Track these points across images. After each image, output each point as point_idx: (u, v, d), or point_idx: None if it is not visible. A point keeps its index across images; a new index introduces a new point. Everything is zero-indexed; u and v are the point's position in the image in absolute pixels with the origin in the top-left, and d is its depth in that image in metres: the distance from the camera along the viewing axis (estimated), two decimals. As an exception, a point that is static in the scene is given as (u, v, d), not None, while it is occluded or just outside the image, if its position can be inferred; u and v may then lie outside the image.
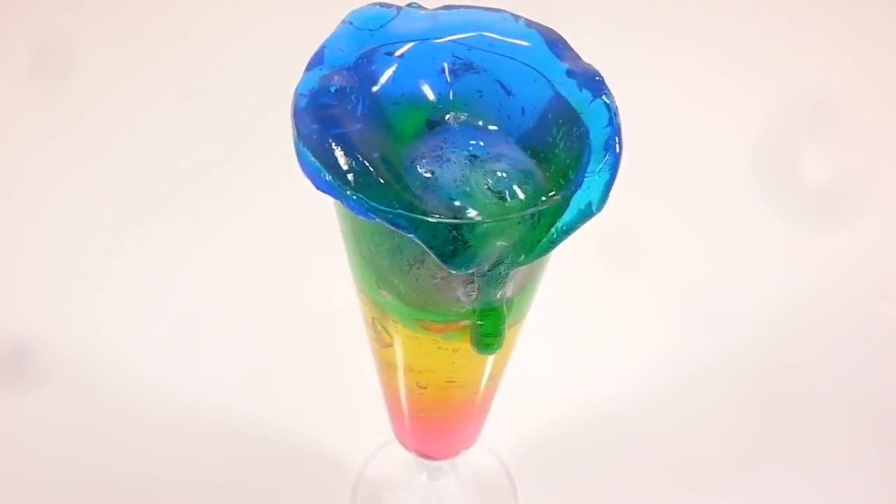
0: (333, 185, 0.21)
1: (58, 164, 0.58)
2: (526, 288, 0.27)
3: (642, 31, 0.69)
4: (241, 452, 0.44)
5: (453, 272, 0.22)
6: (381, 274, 0.26)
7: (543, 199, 0.22)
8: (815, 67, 0.67)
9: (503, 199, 0.23)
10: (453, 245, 0.21)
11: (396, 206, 0.21)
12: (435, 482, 0.43)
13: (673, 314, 0.50)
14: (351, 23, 0.24)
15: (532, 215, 0.22)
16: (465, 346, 0.26)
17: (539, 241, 0.22)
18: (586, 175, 0.22)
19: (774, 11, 0.72)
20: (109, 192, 0.56)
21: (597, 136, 0.23)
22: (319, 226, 0.34)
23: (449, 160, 0.23)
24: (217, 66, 0.64)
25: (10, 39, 0.67)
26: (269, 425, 0.45)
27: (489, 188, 0.23)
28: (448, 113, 0.25)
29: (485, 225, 0.22)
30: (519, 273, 0.24)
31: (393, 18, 0.25)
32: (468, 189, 0.23)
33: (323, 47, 0.24)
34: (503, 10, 0.25)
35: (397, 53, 0.24)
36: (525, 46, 0.25)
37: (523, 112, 0.24)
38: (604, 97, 0.23)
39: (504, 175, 0.23)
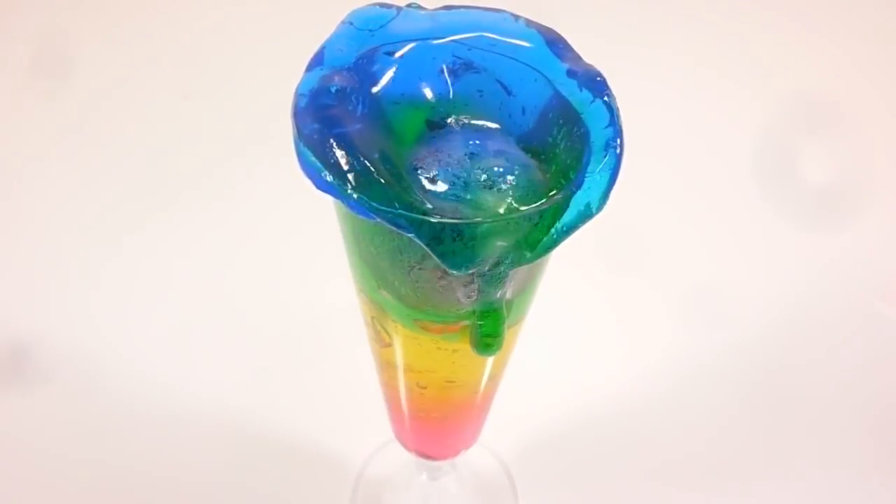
0: (334, 185, 0.21)
1: (57, 164, 0.58)
2: (526, 289, 0.27)
3: (642, 31, 0.69)
4: (241, 452, 0.44)
5: (453, 272, 0.22)
6: (381, 275, 0.26)
7: (544, 199, 0.22)
8: (815, 68, 0.67)
9: (503, 198, 0.23)
10: (454, 245, 0.21)
11: (397, 206, 0.21)
12: (435, 482, 0.43)
13: (673, 314, 0.50)
14: (351, 23, 0.24)
15: (532, 215, 0.22)
16: (465, 346, 0.26)
17: (539, 242, 0.22)
18: (587, 175, 0.22)
19: (774, 12, 0.72)
20: (109, 192, 0.56)
21: (597, 136, 0.23)
22: (319, 226, 0.34)
23: (449, 160, 0.23)
24: (217, 67, 0.64)
25: (10, 39, 0.67)
26: (268, 425, 0.45)
27: (489, 187, 0.23)
28: (448, 112, 0.25)
29: (485, 225, 0.22)
30: (519, 274, 0.24)
31: (393, 19, 0.25)
32: (468, 189, 0.23)
33: (323, 47, 0.24)
34: (503, 10, 0.25)
35: (397, 53, 0.24)
36: (525, 46, 0.25)
37: (524, 112, 0.24)
38: (605, 98, 0.23)
39: (504, 174, 0.23)
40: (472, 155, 0.23)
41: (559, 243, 0.22)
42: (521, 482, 0.44)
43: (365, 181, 0.21)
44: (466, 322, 0.25)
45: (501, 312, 0.25)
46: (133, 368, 0.47)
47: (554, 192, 0.23)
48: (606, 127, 0.23)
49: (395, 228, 0.21)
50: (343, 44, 0.24)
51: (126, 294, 0.51)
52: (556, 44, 0.24)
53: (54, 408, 0.45)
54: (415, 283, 0.24)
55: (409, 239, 0.21)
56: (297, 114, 0.22)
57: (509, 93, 0.25)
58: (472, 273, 0.22)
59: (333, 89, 0.23)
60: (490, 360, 0.30)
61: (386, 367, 0.32)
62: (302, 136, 0.22)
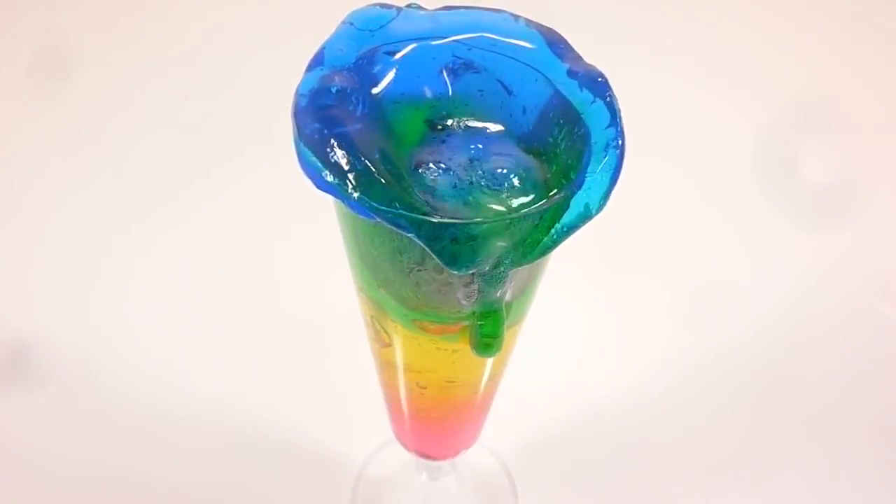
0: (334, 185, 0.21)
1: (57, 164, 0.58)
2: (526, 289, 0.27)
3: (642, 31, 0.69)
4: (241, 452, 0.44)
5: (454, 273, 0.22)
6: (381, 276, 0.26)
7: (544, 199, 0.22)
8: (815, 68, 0.67)
9: (503, 198, 0.23)
10: (454, 245, 0.21)
11: (397, 207, 0.21)
12: (435, 482, 0.43)
13: (673, 314, 0.50)
14: (351, 23, 0.24)
15: (533, 216, 0.22)
16: (465, 346, 0.26)
17: (540, 242, 0.22)
18: (587, 175, 0.22)
19: (774, 12, 0.72)
20: (109, 191, 0.56)
21: (598, 136, 0.23)
22: (319, 226, 0.34)
23: (449, 160, 0.23)
24: (217, 67, 0.64)
25: (10, 39, 0.67)
26: (268, 425, 0.45)
27: (489, 187, 0.23)
28: (449, 112, 0.25)
29: (485, 225, 0.22)
30: (519, 274, 0.24)
31: (393, 19, 0.25)
32: (469, 189, 0.23)
33: (323, 48, 0.24)
34: (503, 11, 0.25)
35: (398, 53, 0.24)
36: (526, 46, 0.25)
37: (525, 111, 0.24)
38: (607, 98, 0.23)
39: (504, 174, 0.23)
40: (472, 155, 0.23)
41: (559, 243, 0.22)
42: (521, 482, 0.44)
43: (365, 181, 0.21)
44: (466, 323, 0.25)
45: (501, 313, 0.25)
46: (133, 368, 0.47)
47: (554, 192, 0.23)
48: (607, 127, 0.23)
49: (395, 228, 0.21)
50: (343, 44, 0.24)
51: (126, 294, 0.51)
52: (556, 44, 0.24)
53: (54, 408, 0.45)
54: (415, 284, 0.24)
55: (410, 239, 0.21)
56: (298, 113, 0.22)
57: (510, 92, 0.25)
58: (473, 273, 0.22)
59: (334, 89, 0.23)
60: (490, 360, 0.30)
61: (386, 367, 0.32)
62: (302, 136, 0.21)
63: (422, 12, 0.25)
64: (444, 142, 0.24)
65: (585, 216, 0.22)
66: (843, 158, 0.60)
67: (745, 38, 0.69)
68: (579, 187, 0.22)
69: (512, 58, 0.25)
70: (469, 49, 0.25)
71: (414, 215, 0.21)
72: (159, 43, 0.67)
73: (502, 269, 0.22)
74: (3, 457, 0.44)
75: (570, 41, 0.25)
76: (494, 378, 0.32)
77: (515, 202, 0.23)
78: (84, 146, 0.59)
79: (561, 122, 0.24)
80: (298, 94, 0.22)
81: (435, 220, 0.21)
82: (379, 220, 0.21)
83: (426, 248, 0.21)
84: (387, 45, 0.24)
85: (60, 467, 0.43)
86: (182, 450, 0.44)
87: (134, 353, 0.48)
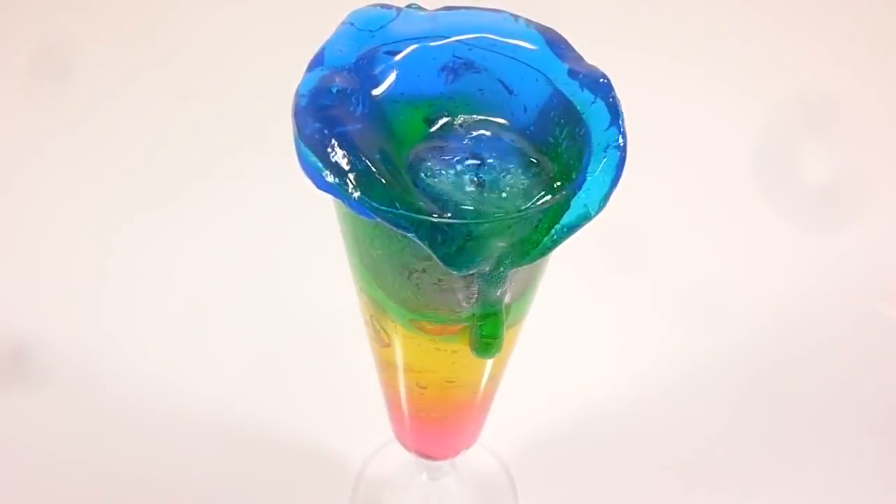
0: (334, 185, 0.21)
1: (57, 163, 0.58)
2: (525, 289, 0.27)
3: (641, 31, 0.69)
4: (241, 452, 0.44)
5: (453, 273, 0.22)
6: (380, 277, 0.26)
7: (545, 199, 0.22)
8: (815, 68, 0.67)
9: (503, 198, 0.23)
10: (454, 245, 0.21)
11: (397, 206, 0.21)
12: (435, 482, 0.43)
13: (673, 314, 0.50)
14: (352, 24, 0.24)
15: (533, 216, 0.22)
16: (465, 347, 0.26)
17: (540, 242, 0.22)
18: (587, 176, 0.22)
19: (774, 12, 0.72)
20: (110, 192, 0.56)
21: (598, 137, 0.23)
22: (319, 225, 0.34)
23: (450, 160, 0.23)
24: (217, 67, 0.64)
25: (10, 39, 0.67)
26: (268, 425, 0.45)
27: (490, 187, 0.23)
28: (449, 112, 0.25)
29: (486, 225, 0.22)
30: (518, 275, 0.24)
31: (393, 19, 0.25)
32: (469, 189, 0.23)
33: (323, 48, 0.24)
34: (503, 11, 0.25)
35: (398, 53, 0.24)
36: (526, 46, 0.25)
37: (525, 110, 0.24)
38: (609, 100, 0.23)
39: (505, 174, 0.23)
40: (473, 154, 0.23)
41: (559, 244, 0.22)
42: (521, 482, 0.44)
43: (366, 181, 0.21)
44: (466, 324, 0.25)
45: (501, 315, 0.25)
46: (133, 368, 0.47)
47: (555, 192, 0.23)
48: (608, 128, 0.23)
49: (395, 228, 0.21)
50: (343, 44, 0.24)
51: (126, 294, 0.51)
52: (556, 44, 0.24)
53: (54, 408, 0.45)
54: (415, 285, 0.24)
55: (410, 240, 0.21)
56: (298, 113, 0.22)
57: (510, 92, 0.25)
58: (472, 274, 0.22)
59: (334, 90, 0.23)
60: (490, 360, 0.30)
61: (386, 367, 0.32)
62: (303, 136, 0.22)
63: (422, 13, 0.25)
64: (444, 142, 0.24)
65: (585, 217, 0.22)
66: (843, 158, 0.60)
67: (744, 38, 0.69)
68: (579, 188, 0.22)
69: (512, 58, 0.25)
70: (469, 49, 0.25)
71: (414, 215, 0.21)
72: (159, 43, 0.67)
73: (502, 269, 0.22)
74: (3, 457, 0.44)
75: (569, 41, 0.25)
76: (494, 378, 0.32)
77: (516, 202, 0.23)
78: (84, 146, 0.59)
79: (562, 121, 0.24)
80: (299, 95, 0.22)
81: (435, 220, 0.21)
82: (379, 220, 0.21)
83: (426, 249, 0.21)
84: (387, 46, 0.24)
85: (60, 467, 0.43)
86: (182, 450, 0.44)
87: (134, 352, 0.48)
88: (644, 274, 0.52)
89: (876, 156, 0.61)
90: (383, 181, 0.21)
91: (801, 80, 0.66)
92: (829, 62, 0.67)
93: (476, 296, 0.24)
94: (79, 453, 0.44)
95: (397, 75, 0.24)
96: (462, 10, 0.25)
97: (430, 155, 0.24)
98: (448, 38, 0.25)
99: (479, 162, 0.23)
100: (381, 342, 0.29)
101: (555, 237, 0.22)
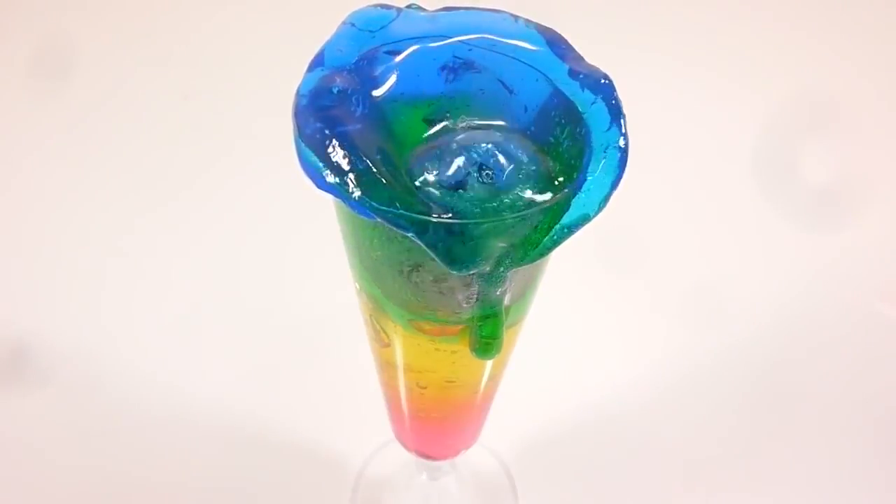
0: (334, 185, 0.21)
1: (57, 163, 0.58)
2: (525, 289, 0.27)
3: (641, 30, 0.69)
4: (241, 452, 0.44)
5: (453, 273, 0.22)
6: (380, 277, 0.26)
7: (545, 199, 0.22)
8: (815, 67, 0.67)
9: (503, 198, 0.23)
10: (454, 245, 0.21)
11: (398, 206, 0.21)
12: (435, 482, 0.43)
13: (672, 314, 0.50)
14: (352, 24, 0.24)
15: (533, 216, 0.22)
16: (464, 347, 0.26)
17: (540, 242, 0.22)
18: (587, 176, 0.22)
19: (774, 12, 0.72)
20: (110, 191, 0.56)
21: (598, 137, 0.23)
22: (319, 225, 0.34)
23: (450, 160, 0.23)
24: (217, 67, 0.64)
25: (10, 39, 0.67)
26: (269, 425, 0.45)
27: (490, 187, 0.23)
28: (449, 112, 0.25)
29: (486, 225, 0.22)
30: (518, 276, 0.24)
31: (394, 20, 0.25)
32: (469, 189, 0.23)
33: (324, 48, 0.24)
34: (503, 11, 0.25)
35: (398, 54, 0.24)
36: (526, 46, 0.25)
37: (526, 110, 0.24)
38: (612, 101, 0.23)
39: (505, 174, 0.23)
40: (473, 154, 0.23)
41: (559, 244, 0.22)
42: (521, 482, 0.44)
43: (366, 181, 0.21)
44: (465, 325, 0.25)
45: (501, 316, 0.25)
46: (133, 368, 0.47)
47: (556, 192, 0.23)
48: (608, 129, 0.23)
49: (395, 228, 0.21)
50: (344, 44, 0.24)
51: (126, 294, 0.51)
52: (557, 44, 0.25)
53: (54, 408, 0.45)
54: (414, 285, 0.24)
55: (410, 240, 0.21)
56: (299, 113, 0.22)
57: (510, 92, 0.25)
58: (472, 274, 0.22)
59: (335, 90, 0.23)
60: (490, 360, 0.30)
61: (386, 367, 0.32)
62: (303, 136, 0.22)
63: (422, 13, 0.25)
64: (444, 141, 0.24)
65: (585, 217, 0.22)
66: (842, 158, 0.60)
67: (744, 37, 0.69)
68: (580, 188, 0.22)
69: (512, 57, 0.25)
70: (469, 49, 0.25)
71: (414, 215, 0.21)
72: (159, 43, 0.67)
73: (502, 269, 0.22)
74: (2, 457, 0.44)
75: (569, 41, 0.25)
76: (494, 378, 0.32)
77: (516, 202, 0.23)
78: (84, 145, 0.59)
79: (562, 121, 0.24)
80: (299, 95, 0.23)
81: (435, 220, 0.21)
82: (379, 220, 0.21)
83: (426, 249, 0.21)
84: (387, 46, 0.24)
85: (60, 467, 0.43)
86: (182, 450, 0.44)
87: (134, 352, 0.48)
88: (644, 274, 0.52)
89: (876, 156, 0.61)
90: (383, 181, 0.21)
91: (801, 80, 0.66)
92: (829, 62, 0.67)
93: (476, 297, 0.24)
94: (78, 453, 0.44)
95: (397, 75, 0.24)
96: (462, 11, 0.25)
97: (430, 155, 0.24)
98: (448, 38, 0.25)
99: (479, 162, 0.23)
100: (381, 342, 0.29)
101: (555, 237, 0.22)
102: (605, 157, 0.22)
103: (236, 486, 0.43)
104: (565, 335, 0.49)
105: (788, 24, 0.71)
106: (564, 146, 0.23)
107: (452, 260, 0.21)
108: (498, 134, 0.24)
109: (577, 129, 0.23)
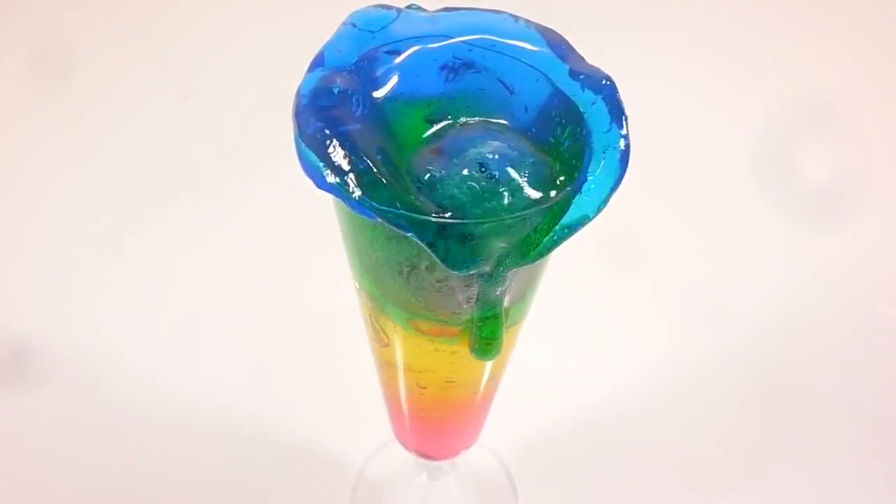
0: (335, 185, 0.21)
1: (57, 163, 0.58)
2: (525, 289, 0.27)
3: (641, 30, 0.69)
4: (241, 452, 0.44)
5: (453, 273, 0.22)
6: (380, 278, 0.26)
7: (545, 200, 0.22)
8: (815, 67, 0.67)
9: (503, 198, 0.23)
10: (454, 245, 0.21)
11: (398, 206, 0.21)
12: (435, 482, 0.43)
13: (672, 314, 0.50)
14: (353, 24, 0.24)
15: (533, 216, 0.22)
16: (464, 348, 0.26)
17: (540, 242, 0.22)
18: (587, 177, 0.22)
19: (774, 12, 0.72)
20: (109, 191, 0.56)
21: (598, 138, 0.23)
22: (319, 225, 0.34)
23: (450, 160, 0.23)
24: (217, 67, 0.64)
25: (10, 39, 0.67)
26: (268, 425, 0.45)
27: (490, 187, 0.23)
28: (450, 112, 0.25)
29: (486, 225, 0.22)
30: (518, 276, 0.24)
31: (394, 20, 0.25)
32: (470, 189, 0.23)
33: (324, 48, 0.24)
34: (503, 12, 0.25)
35: (398, 54, 0.24)
36: (526, 47, 0.25)
37: (526, 110, 0.25)
38: (612, 102, 0.23)
39: (505, 175, 0.23)
40: (473, 155, 0.23)
41: (559, 244, 0.22)
42: (521, 482, 0.44)
43: (366, 181, 0.21)
44: (465, 326, 0.25)
45: (500, 317, 0.25)
46: (133, 369, 0.47)
47: (559, 190, 0.23)
48: (608, 130, 0.23)
49: (395, 228, 0.21)
50: (344, 45, 0.24)
51: (126, 294, 0.51)
52: (557, 45, 0.25)
53: (54, 408, 0.45)
54: (414, 286, 0.24)
55: (409, 241, 0.21)
56: (299, 113, 0.22)
57: (511, 91, 0.25)
58: (472, 274, 0.22)
59: (335, 90, 0.23)
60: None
61: (386, 367, 0.32)
62: (303, 135, 0.22)
63: (422, 13, 0.25)
64: (444, 141, 0.24)
65: (585, 217, 0.22)
66: (842, 158, 0.60)
67: (744, 38, 0.69)
68: (580, 188, 0.22)
69: (513, 57, 0.25)
70: (470, 49, 0.25)
71: (414, 215, 0.21)
72: (159, 43, 0.67)
73: (502, 269, 0.22)
74: (2, 457, 0.44)
75: (570, 41, 0.25)
76: (494, 378, 0.32)
77: (516, 202, 0.23)
78: (84, 146, 0.59)
79: (563, 121, 0.24)
80: (300, 95, 0.23)
81: (435, 220, 0.21)
82: (379, 219, 0.21)
83: (426, 249, 0.21)
84: (387, 46, 0.24)
85: (60, 467, 0.43)
86: (182, 450, 0.44)
87: (133, 353, 0.48)
88: (644, 274, 0.52)
89: (876, 156, 0.61)
90: (384, 181, 0.21)
91: (801, 80, 0.66)
92: (829, 62, 0.67)
93: (476, 297, 0.24)
94: (78, 453, 0.44)
95: (398, 76, 0.24)
96: (462, 11, 0.25)
97: (431, 155, 0.24)
98: (448, 38, 0.25)
99: (479, 162, 0.23)
100: (381, 342, 0.29)
101: (555, 237, 0.22)
102: (605, 158, 0.22)
103: (236, 485, 0.43)
104: (565, 335, 0.49)
105: (788, 25, 0.71)
106: (565, 146, 0.23)
107: (452, 260, 0.21)
108: (498, 134, 0.24)
109: (578, 130, 0.23)
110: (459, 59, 0.25)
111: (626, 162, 0.22)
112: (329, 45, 0.24)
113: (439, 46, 0.25)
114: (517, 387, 0.37)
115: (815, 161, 0.59)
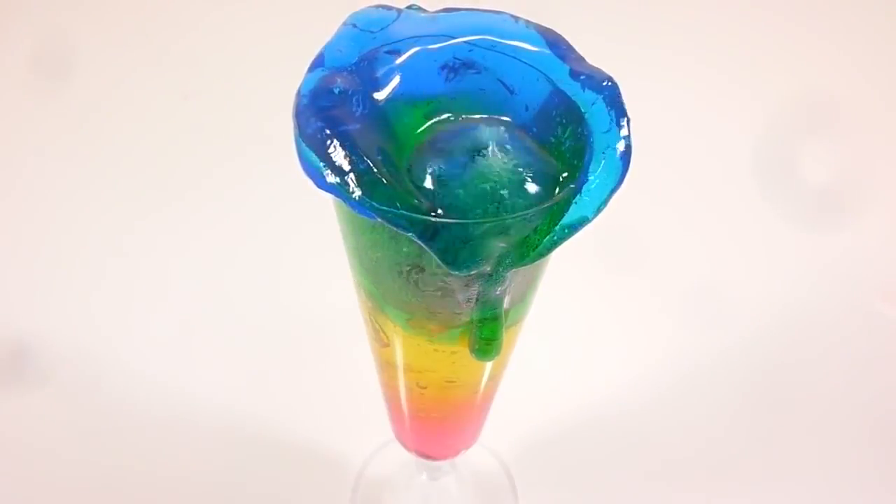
0: (335, 184, 0.21)
1: (57, 164, 0.58)
2: (525, 289, 0.27)
3: (641, 31, 0.69)
4: (241, 452, 0.44)
5: (453, 273, 0.22)
6: (379, 279, 0.26)
7: (545, 200, 0.22)
8: (815, 67, 0.67)
9: (503, 199, 0.23)
10: (454, 245, 0.21)
11: (398, 206, 0.21)
12: (435, 482, 0.43)
13: (673, 314, 0.50)
14: (353, 24, 0.24)
15: (533, 216, 0.22)
16: (464, 348, 0.26)
17: (540, 243, 0.22)
18: (588, 177, 0.22)
19: (775, 12, 0.72)
20: (109, 192, 0.56)
21: (598, 138, 0.23)
22: (319, 226, 0.34)
23: (450, 160, 0.23)
24: (217, 67, 0.64)
25: (10, 39, 0.67)
26: (268, 425, 0.45)
27: (490, 188, 0.23)
28: (450, 112, 0.25)
29: (486, 225, 0.22)
30: (518, 276, 0.24)
31: (394, 20, 0.25)
32: (470, 189, 0.23)
33: (325, 49, 0.24)
34: (503, 12, 0.25)
35: (399, 54, 0.24)
36: (527, 47, 0.25)
37: (527, 109, 0.25)
38: (614, 102, 0.23)
39: (505, 175, 0.23)
40: (473, 155, 0.23)
41: (559, 244, 0.22)
42: (521, 482, 0.44)
43: (366, 181, 0.21)
44: (465, 327, 0.25)
45: (500, 318, 0.25)
46: (133, 369, 0.47)
47: (555, 192, 0.23)
48: (608, 131, 0.23)
49: (395, 228, 0.21)
50: (344, 45, 0.24)
51: (126, 294, 0.51)
52: (557, 45, 0.25)
53: (54, 408, 0.45)
54: (414, 287, 0.24)
55: (409, 241, 0.21)
56: (299, 113, 0.22)
57: (511, 91, 0.25)
58: (472, 275, 0.22)
59: (336, 90, 0.23)
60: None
61: (386, 367, 0.32)
62: (304, 136, 0.22)
63: (422, 14, 0.25)
64: (444, 140, 0.24)
65: (585, 218, 0.22)
66: (842, 158, 0.60)
67: (745, 38, 0.69)
68: (580, 189, 0.22)
69: (513, 57, 0.25)
70: (470, 49, 0.25)
71: (414, 215, 0.21)
72: (159, 43, 0.67)
73: (502, 269, 0.22)
74: (2, 457, 0.44)
75: (570, 42, 0.25)
76: (494, 378, 0.32)
77: (516, 203, 0.23)
78: (83, 146, 0.59)
79: (564, 121, 0.24)
80: (300, 95, 0.23)
81: (435, 220, 0.21)
82: (379, 219, 0.21)
83: (426, 249, 0.21)
84: (388, 46, 0.24)
85: (60, 467, 0.43)
86: (182, 450, 0.44)
87: (133, 353, 0.48)
88: (644, 274, 0.52)
89: (876, 156, 0.61)
90: (384, 181, 0.21)
91: (801, 81, 0.66)
92: (829, 62, 0.67)
93: (476, 297, 0.24)
94: (78, 453, 0.44)
95: (398, 76, 0.24)
96: (462, 12, 0.25)
97: (431, 155, 0.24)
98: (448, 39, 0.25)
99: (479, 163, 0.23)
100: (381, 342, 0.29)
101: (555, 238, 0.22)
102: (605, 158, 0.22)
103: (236, 485, 0.43)
104: (565, 335, 0.49)
105: (788, 25, 0.71)
106: (566, 146, 0.23)
107: (452, 260, 0.21)
108: (498, 134, 0.24)
109: (579, 129, 0.23)
110: (460, 59, 0.25)
111: (627, 162, 0.22)
112: (329, 46, 0.24)
113: (439, 47, 0.25)
114: (517, 387, 0.37)
115: (815, 161, 0.59)
